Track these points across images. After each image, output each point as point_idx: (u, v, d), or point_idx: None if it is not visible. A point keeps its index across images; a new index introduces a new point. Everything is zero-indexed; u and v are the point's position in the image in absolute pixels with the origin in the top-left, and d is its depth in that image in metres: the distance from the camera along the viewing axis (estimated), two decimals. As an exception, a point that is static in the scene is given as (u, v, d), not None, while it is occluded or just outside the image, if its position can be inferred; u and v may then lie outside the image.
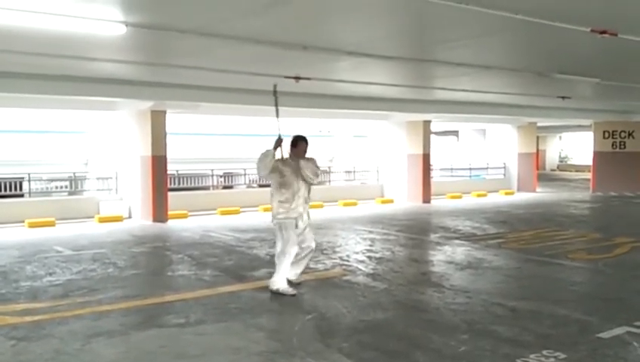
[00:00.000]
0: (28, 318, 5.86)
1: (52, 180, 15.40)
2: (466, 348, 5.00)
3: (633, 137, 21.33)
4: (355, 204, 17.06)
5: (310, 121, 19.30)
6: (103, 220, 13.31)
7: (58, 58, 8.68)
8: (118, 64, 9.51)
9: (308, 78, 10.65)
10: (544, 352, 4.82)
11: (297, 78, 10.54)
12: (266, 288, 6.95)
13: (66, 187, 15.27)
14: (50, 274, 7.84)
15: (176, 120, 15.69)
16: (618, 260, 8.89)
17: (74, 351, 4.97)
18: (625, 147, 21.38)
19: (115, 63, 9.43)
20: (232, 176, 18.12)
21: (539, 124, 23.46)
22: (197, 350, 4.97)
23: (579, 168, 35.74)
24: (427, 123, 17.88)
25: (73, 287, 7.13)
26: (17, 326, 5.62)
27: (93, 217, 13.48)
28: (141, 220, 13.57)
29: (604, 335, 5.28)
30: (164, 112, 13.41)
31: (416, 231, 12.19)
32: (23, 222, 12.59)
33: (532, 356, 4.74)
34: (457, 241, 10.57)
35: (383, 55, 8.77)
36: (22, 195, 14.34)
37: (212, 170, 17.01)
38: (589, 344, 5.07)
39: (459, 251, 9.61)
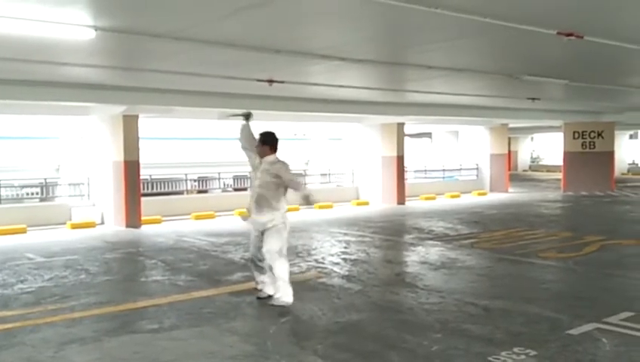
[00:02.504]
0: (-2, 327, 5.78)
1: (23, 187, 15.17)
2: (439, 347, 5.06)
3: (603, 137, 21.74)
4: (330, 207, 17.09)
5: (285, 124, 19.31)
6: (75, 226, 13.14)
7: (27, 63, 8.56)
8: (88, 68, 9.43)
9: (281, 82, 10.68)
10: (515, 350, 4.90)
11: (271, 82, 10.56)
12: (241, 292, 6.99)
13: (38, 193, 15.04)
14: (22, 282, 7.72)
15: (150, 124, 15.56)
16: (588, 258, 9.07)
17: (46, 358, 4.91)
18: (595, 147, 21.79)
19: (85, 68, 9.35)
20: (206, 181, 18.03)
21: (510, 126, 23.81)
22: (171, 355, 4.94)
23: (550, 168, 36.29)
24: (401, 125, 18.03)
25: (45, 294, 7.04)
26: (-13, 335, 5.54)
27: (65, 223, 13.31)
28: (114, 226, 13.43)
29: (574, 332, 5.39)
30: (137, 117, 13.30)
31: (391, 233, 12.27)
32: (-7, 229, 12.39)
33: (503, 353, 4.82)
34: (431, 242, 10.67)
35: (356, 58, 8.83)
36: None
37: (186, 174, 16.91)
38: (560, 341, 5.17)
39: (432, 252, 9.71)
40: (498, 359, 4.72)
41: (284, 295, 6.28)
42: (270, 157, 6.49)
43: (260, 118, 16.33)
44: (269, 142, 6.53)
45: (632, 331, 5.41)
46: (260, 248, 6.41)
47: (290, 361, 4.76)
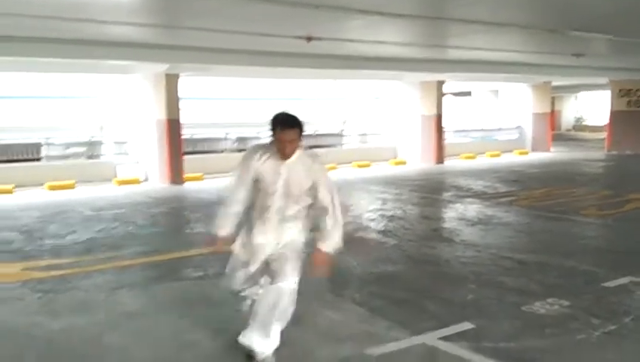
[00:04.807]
0: (53, 273, 6.12)
1: (69, 145, 15.64)
2: (473, 296, 5.19)
3: (649, 95, 21.10)
4: (368, 166, 17.17)
5: (322, 82, 19.30)
6: (120, 183, 13.57)
7: (71, 21, 8.77)
8: (130, 27, 9.60)
9: (319, 39, 10.67)
10: (549, 300, 4.99)
11: (309, 39, 10.57)
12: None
13: (83, 153, 15.48)
14: (73, 233, 8.11)
15: (191, 84, 15.77)
16: (628, 215, 8.99)
17: (99, 301, 5.23)
18: (640, 105, 21.17)
19: (127, 26, 9.52)
20: (245, 140, 18.25)
21: (554, 84, 23.23)
22: (217, 298, 5.19)
23: (594, 129, 35.40)
24: (440, 83, 17.83)
25: (95, 244, 7.40)
26: (43, 280, 5.89)
27: (110, 180, 13.75)
28: (158, 183, 13.81)
29: (609, 284, 5.44)
30: (177, 76, 13.52)
31: (428, 191, 12.32)
32: (42, 185, 12.88)
33: (537, 303, 4.92)
34: (469, 199, 10.69)
35: (395, 13, 8.76)
36: (39, 160, 14.63)
37: (226, 133, 17.16)
38: (594, 293, 5.23)
39: (470, 208, 9.74)
40: (531, 308, 4.82)
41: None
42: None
43: (298, 76, 16.50)
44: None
45: (669, 284, 5.43)
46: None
47: (329, 308, 4.96)
